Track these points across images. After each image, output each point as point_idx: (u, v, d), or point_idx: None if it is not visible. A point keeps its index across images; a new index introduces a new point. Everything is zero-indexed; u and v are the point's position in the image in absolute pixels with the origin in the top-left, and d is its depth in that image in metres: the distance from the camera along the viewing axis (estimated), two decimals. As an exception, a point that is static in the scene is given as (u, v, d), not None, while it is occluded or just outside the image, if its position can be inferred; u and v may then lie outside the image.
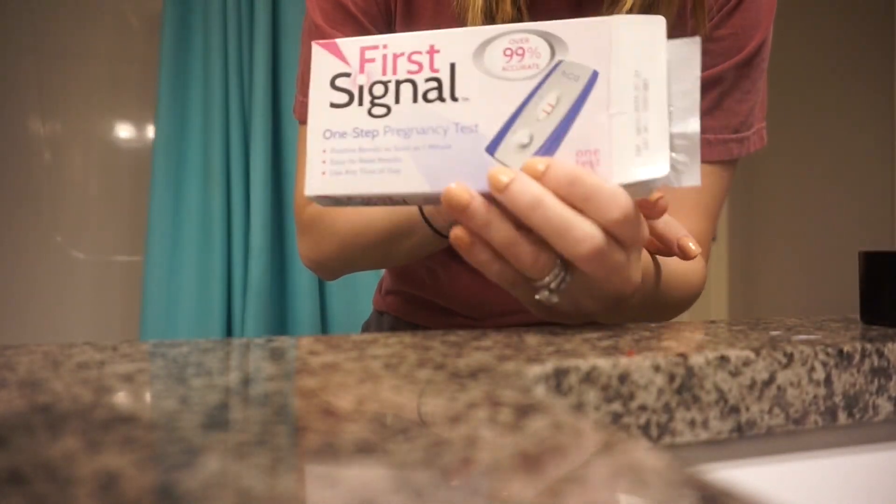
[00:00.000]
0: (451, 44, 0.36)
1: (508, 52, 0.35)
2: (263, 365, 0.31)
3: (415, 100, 0.36)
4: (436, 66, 0.36)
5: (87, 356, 0.33)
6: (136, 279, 1.66)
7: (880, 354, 0.37)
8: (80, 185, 1.78)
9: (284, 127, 1.53)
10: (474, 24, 0.57)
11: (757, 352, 0.34)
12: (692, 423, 0.33)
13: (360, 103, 0.37)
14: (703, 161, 0.62)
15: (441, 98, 0.36)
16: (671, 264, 0.56)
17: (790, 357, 0.35)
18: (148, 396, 0.25)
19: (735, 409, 0.34)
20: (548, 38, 0.35)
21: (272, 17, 1.50)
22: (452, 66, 0.36)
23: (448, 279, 0.72)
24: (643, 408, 0.32)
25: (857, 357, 0.36)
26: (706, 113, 0.63)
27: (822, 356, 0.36)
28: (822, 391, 0.36)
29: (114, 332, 1.77)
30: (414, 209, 0.53)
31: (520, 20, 0.58)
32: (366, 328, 0.87)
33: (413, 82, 0.36)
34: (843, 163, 1.96)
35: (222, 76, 1.48)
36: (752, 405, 0.34)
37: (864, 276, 0.47)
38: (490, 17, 0.57)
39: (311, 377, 0.28)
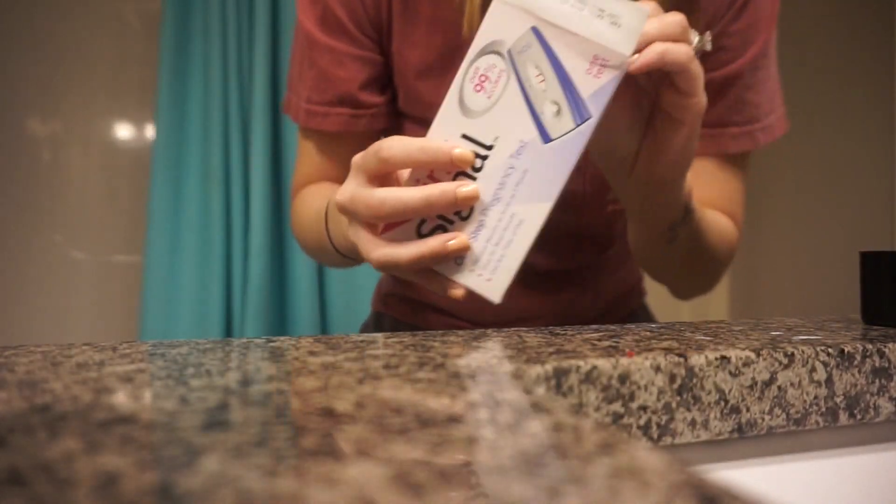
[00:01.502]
0: (447, 127, 0.41)
1: (478, 87, 0.40)
2: (263, 365, 0.31)
3: (474, 178, 0.41)
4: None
5: (87, 356, 0.33)
6: (136, 279, 1.66)
7: (881, 355, 0.37)
8: (80, 185, 1.78)
9: (284, 127, 1.52)
10: (471, 20, 0.57)
11: (757, 352, 0.34)
12: (692, 424, 0.33)
13: (450, 221, 0.42)
14: (733, 153, 0.65)
15: (485, 157, 0.40)
16: (710, 213, 0.60)
17: (791, 357, 0.35)
18: (147, 397, 0.25)
19: (735, 410, 0.34)
20: (485, 51, 0.40)
21: (272, 17, 1.50)
22: (465, 136, 0.40)
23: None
24: (643, 408, 0.32)
25: (858, 357, 0.36)
26: (731, 108, 0.64)
27: (822, 356, 0.35)
28: (822, 391, 0.36)
29: (113, 332, 1.77)
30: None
31: None
32: (364, 329, 0.87)
33: (465, 175, 0.41)
34: (844, 163, 1.96)
35: (222, 76, 1.48)
36: (753, 405, 0.34)
37: (864, 276, 0.47)
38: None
39: (310, 377, 0.28)
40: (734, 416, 0.34)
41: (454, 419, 0.21)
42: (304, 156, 0.70)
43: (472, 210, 0.41)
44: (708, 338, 0.38)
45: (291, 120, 0.69)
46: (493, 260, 0.42)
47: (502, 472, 0.17)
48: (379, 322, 0.82)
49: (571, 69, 0.39)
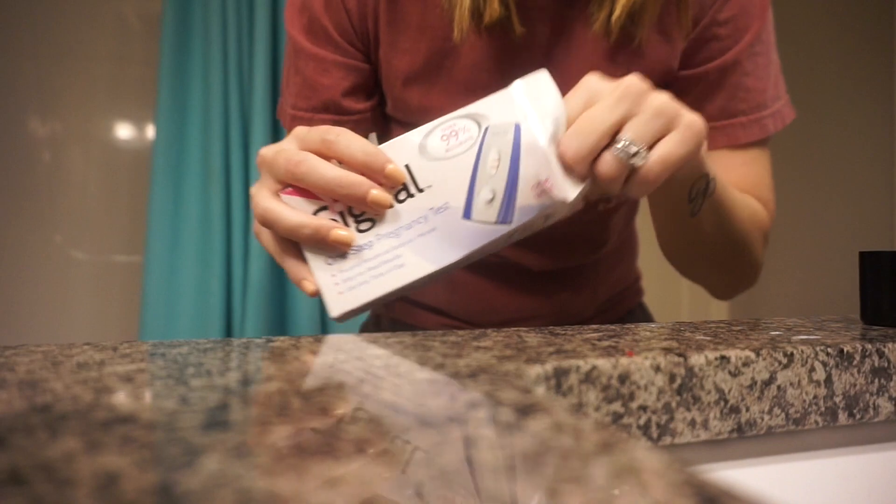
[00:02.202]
0: (398, 151, 0.42)
1: (444, 138, 0.42)
2: (263, 365, 0.31)
3: (391, 205, 0.42)
4: None
5: (87, 356, 0.33)
6: (136, 279, 1.66)
7: (881, 354, 0.37)
8: (80, 184, 1.78)
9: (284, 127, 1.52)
10: (461, 24, 0.58)
11: (757, 352, 0.34)
12: (692, 424, 0.33)
13: (347, 224, 0.42)
14: (746, 143, 0.65)
15: (410, 195, 0.42)
16: (737, 191, 0.59)
17: (790, 357, 0.35)
18: (148, 396, 0.25)
19: (735, 410, 0.34)
20: (470, 116, 0.42)
21: (272, 17, 1.50)
22: (408, 167, 0.42)
23: (448, 284, 0.72)
24: (643, 408, 0.32)
25: (858, 357, 0.36)
26: (734, 98, 0.63)
27: (822, 356, 0.36)
28: (822, 391, 0.36)
29: (113, 332, 1.77)
30: None
31: (508, 18, 0.58)
32: (364, 330, 0.88)
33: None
34: (843, 163, 1.96)
35: (222, 76, 1.48)
36: (753, 405, 0.34)
37: (864, 276, 0.47)
38: (478, 16, 0.58)
39: (310, 377, 0.28)
40: (734, 415, 0.34)
41: (454, 419, 0.21)
42: None
43: (369, 227, 0.42)
44: (708, 338, 0.38)
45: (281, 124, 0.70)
46: (357, 280, 0.42)
47: (502, 472, 0.17)
48: (378, 323, 0.82)
49: (522, 176, 0.41)
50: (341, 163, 0.42)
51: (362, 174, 0.41)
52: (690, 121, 0.42)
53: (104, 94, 1.78)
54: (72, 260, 1.77)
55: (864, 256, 0.47)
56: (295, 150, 0.42)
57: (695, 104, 0.63)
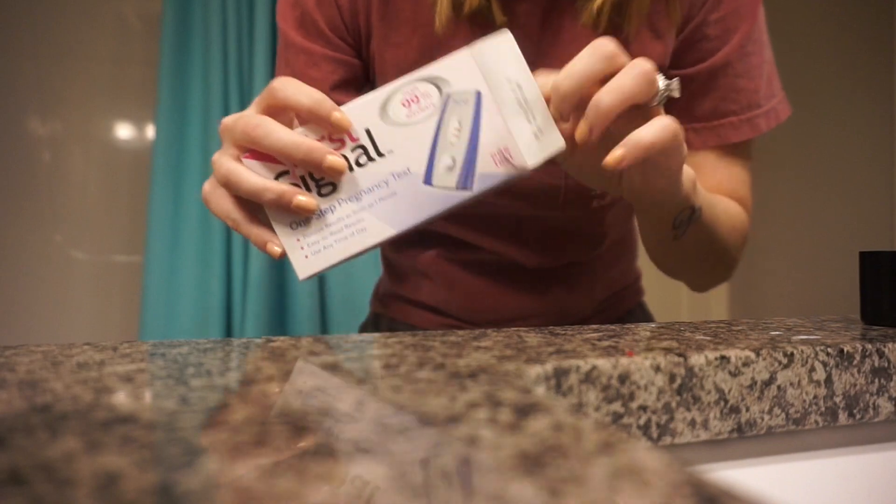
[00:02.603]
0: (359, 115, 0.42)
1: (406, 103, 0.42)
2: (263, 365, 0.31)
3: (351, 169, 0.42)
4: (355, 136, 0.42)
5: (87, 356, 0.33)
6: (136, 279, 1.66)
7: (881, 354, 0.37)
8: (80, 185, 1.78)
9: (284, 127, 1.53)
10: (441, 16, 0.59)
11: (757, 352, 0.34)
12: (692, 424, 0.33)
13: (308, 189, 0.43)
14: (735, 142, 0.65)
15: (371, 159, 0.42)
16: (720, 199, 0.61)
17: (790, 357, 0.35)
18: (148, 396, 0.25)
19: (735, 410, 0.34)
20: (431, 80, 0.42)
21: (272, 17, 1.50)
22: (368, 131, 0.42)
23: (444, 283, 0.72)
24: (643, 408, 0.32)
25: (858, 357, 0.36)
26: (725, 98, 0.64)
27: (822, 356, 0.36)
28: (822, 391, 0.36)
29: (113, 332, 1.77)
30: None
31: (488, 9, 0.58)
32: (363, 330, 0.88)
33: (343, 156, 0.42)
34: (843, 163, 1.96)
35: (222, 76, 1.48)
36: (753, 405, 0.34)
37: (864, 276, 0.47)
38: (458, 6, 0.58)
39: (310, 377, 0.28)
40: (734, 415, 0.34)
41: (454, 419, 0.21)
42: None
43: (331, 192, 0.42)
44: (708, 338, 0.39)
45: None
46: (322, 244, 0.43)
47: (502, 472, 0.17)
48: (377, 323, 0.82)
49: (482, 144, 0.41)
50: (295, 112, 0.42)
51: (311, 121, 0.42)
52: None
53: (104, 94, 1.78)
54: (72, 260, 1.77)
55: (864, 256, 0.47)
56: (253, 114, 0.42)
57: (686, 104, 0.64)
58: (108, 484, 0.16)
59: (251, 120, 0.42)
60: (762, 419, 0.34)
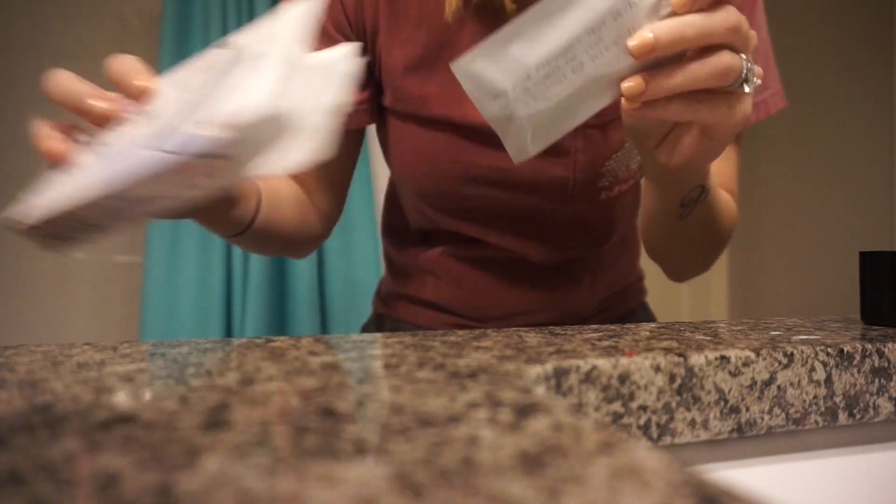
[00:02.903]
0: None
1: (200, 70, 0.41)
2: (263, 365, 0.31)
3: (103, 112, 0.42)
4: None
5: (87, 356, 0.33)
6: (137, 279, 1.66)
7: (880, 354, 0.37)
8: (81, 185, 1.78)
9: (284, 127, 1.52)
10: (451, 6, 0.59)
11: (757, 352, 0.34)
12: (692, 424, 0.33)
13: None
14: None
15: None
16: (721, 191, 0.61)
17: (790, 357, 0.35)
18: (148, 397, 0.25)
19: (735, 410, 0.34)
20: (231, 46, 0.40)
21: (272, 17, 1.50)
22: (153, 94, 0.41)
23: (450, 281, 0.72)
24: (643, 408, 0.32)
25: (858, 357, 0.36)
26: None
27: (822, 356, 0.36)
28: (822, 391, 0.36)
29: (114, 332, 1.77)
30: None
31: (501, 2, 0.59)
32: (365, 330, 0.88)
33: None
34: (843, 163, 1.96)
35: (222, 76, 1.48)
36: (753, 405, 0.34)
37: (864, 276, 0.47)
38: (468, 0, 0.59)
39: (310, 377, 0.28)
40: (734, 415, 0.34)
41: (454, 419, 0.21)
42: None
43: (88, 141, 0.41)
44: (708, 338, 0.39)
45: None
46: (52, 185, 0.40)
47: (502, 472, 0.17)
48: (380, 323, 0.82)
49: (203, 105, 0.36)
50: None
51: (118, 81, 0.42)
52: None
53: (104, 94, 1.78)
54: (72, 260, 1.77)
55: (864, 256, 0.47)
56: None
57: None
58: (108, 484, 0.16)
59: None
60: (762, 419, 0.34)
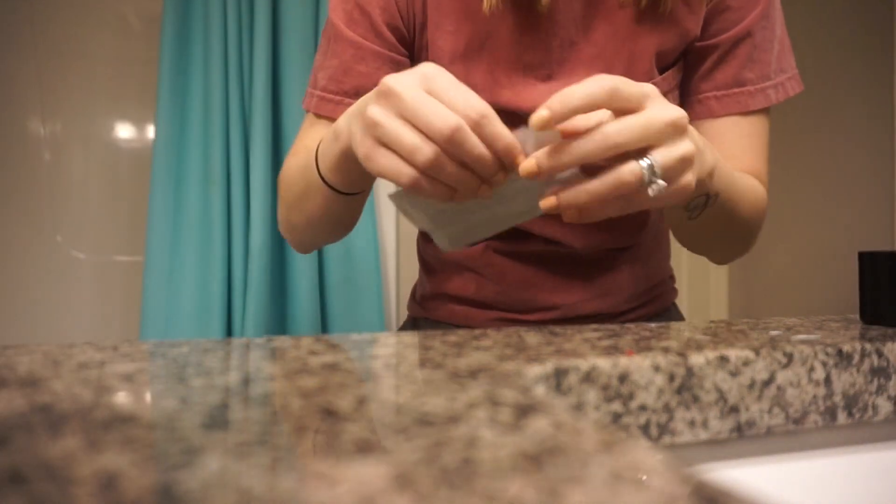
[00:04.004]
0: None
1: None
2: (263, 365, 0.31)
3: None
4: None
5: (88, 356, 0.33)
6: (137, 279, 1.66)
7: (880, 354, 0.37)
8: (81, 185, 1.78)
9: (284, 127, 1.53)
10: (490, 1, 0.61)
11: (757, 352, 0.34)
12: (692, 423, 0.33)
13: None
14: (748, 111, 0.68)
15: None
16: (742, 178, 0.62)
17: (790, 357, 0.35)
18: (148, 396, 0.25)
19: (735, 409, 0.34)
20: None
21: (272, 17, 1.50)
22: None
23: (492, 277, 0.73)
24: (643, 408, 0.32)
25: (857, 357, 0.36)
26: (744, 67, 0.67)
27: (821, 356, 0.36)
28: (821, 391, 0.36)
29: (114, 332, 1.77)
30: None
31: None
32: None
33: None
34: (843, 163, 1.96)
35: (222, 76, 1.48)
36: (752, 405, 0.34)
37: (862, 276, 0.47)
38: None
39: (311, 377, 0.28)
40: (733, 415, 0.34)
41: (454, 419, 0.21)
42: (307, 136, 0.70)
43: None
44: (707, 337, 0.39)
45: (307, 112, 0.71)
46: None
47: (502, 472, 0.17)
48: (416, 326, 0.83)
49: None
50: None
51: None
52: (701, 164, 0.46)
53: (105, 94, 1.78)
54: (73, 260, 1.77)
55: (863, 257, 0.47)
56: (476, 103, 0.43)
57: (709, 73, 0.67)
58: (108, 484, 0.16)
59: (477, 108, 0.42)
60: (762, 419, 0.34)
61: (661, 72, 0.68)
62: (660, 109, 0.42)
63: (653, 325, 0.45)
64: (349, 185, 0.58)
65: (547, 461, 0.17)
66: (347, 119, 0.51)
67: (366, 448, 0.18)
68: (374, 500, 0.15)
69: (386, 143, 0.44)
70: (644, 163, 0.42)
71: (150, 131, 1.80)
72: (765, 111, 0.69)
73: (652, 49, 0.65)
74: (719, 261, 0.73)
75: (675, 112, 0.43)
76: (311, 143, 0.68)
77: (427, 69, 0.44)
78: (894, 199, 1.80)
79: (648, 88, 0.43)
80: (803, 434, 0.37)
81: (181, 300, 1.46)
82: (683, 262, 2.45)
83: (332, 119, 0.67)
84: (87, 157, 1.78)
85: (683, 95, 0.70)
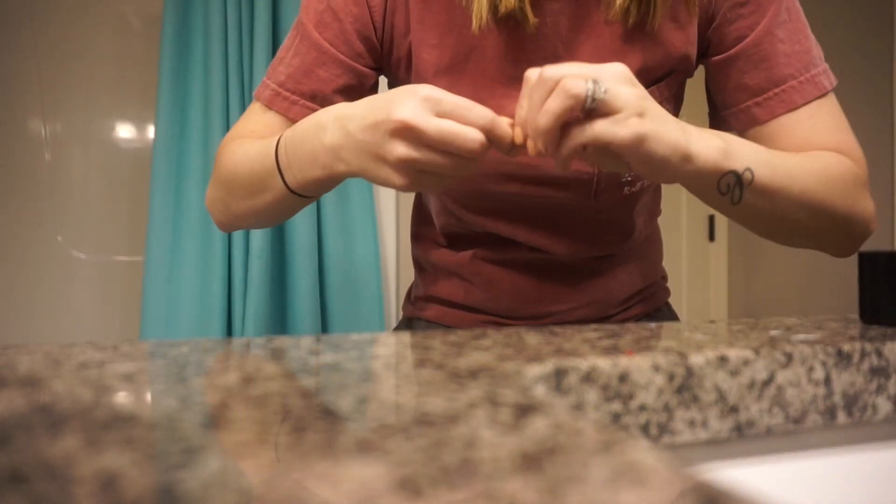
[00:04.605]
0: None
1: None
2: (263, 365, 0.31)
3: None
4: None
5: (88, 356, 0.33)
6: (137, 279, 1.66)
7: (879, 354, 0.37)
8: (81, 185, 1.78)
9: (284, 127, 1.53)
10: (479, 14, 0.60)
11: (756, 351, 0.34)
12: (692, 423, 0.33)
13: None
14: (808, 101, 0.64)
15: None
16: (797, 156, 0.59)
17: (790, 357, 0.35)
18: (148, 396, 0.25)
19: (734, 409, 0.34)
20: None
21: (272, 17, 1.50)
22: None
23: (480, 284, 0.74)
24: (643, 407, 0.32)
25: (857, 357, 0.36)
26: (776, 64, 0.64)
27: (821, 356, 0.36)
28: (821, 391, 0.36)
29: (114, 332, 1.77)
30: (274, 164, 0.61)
31: (521, 10, 0.60)
32: None
33: None
34: (844, 162, 1.96)
35: (222, 76, 1.48)
36: (752, 405, 0.34)
37: (863, 276, 0.47)
38: (494, 9, 0.60)
39: (311, 377, 0.28)
40: (733, 415, 0.34)
41: (454, 419, 0.21)
42: (254, 121, 0.69)
43: None
44: (707, 337, 0.39)
45: (254, 100, 0.70)
46: None
47: (502, 472, 0.17)
48: (411, 327, 0.83)
49: None
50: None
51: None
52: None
53: (105, 94, 1.79)
54: (73, 260, 1.77)
55: (862, 257, 0.47)
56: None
57: (740, 82, 0.65)
58: (108, 484, 0.16)
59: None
60: (761, 418, 0.34)
61: (648, 86, 0.66)
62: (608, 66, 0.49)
63: (653, 325, 0.45)
64: (318, 194, 0.62)
65: (547, 461, 0.17)
66: (349, 154, 0.53)
67: (366, 448, 0.18)
68: (374, 501, 0.15)
69: (426, 171, 0.51)
70: (590, 83, 0.47)
71: (151, 131, 1.80)
72: (822, 97, 0.65)
73: (637, 66, 0.63)
74: (836, 253, 0.67)
75: (619, 66, 0.48)
76: (259, 129, 0.68)
77: (423, 92, 0.49)
78: (894, 199, 1.80)
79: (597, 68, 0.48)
80: (803, 434, 0.37)
81: (181, 300, 1.46)
82: (683, 262, 2.45)
83: (284, 116, 0.66)
84: (87, 157, 1.78)
85: (719, 109, 0.68)
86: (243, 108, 1.50)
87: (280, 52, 0.69)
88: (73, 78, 1.76)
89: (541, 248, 0.71)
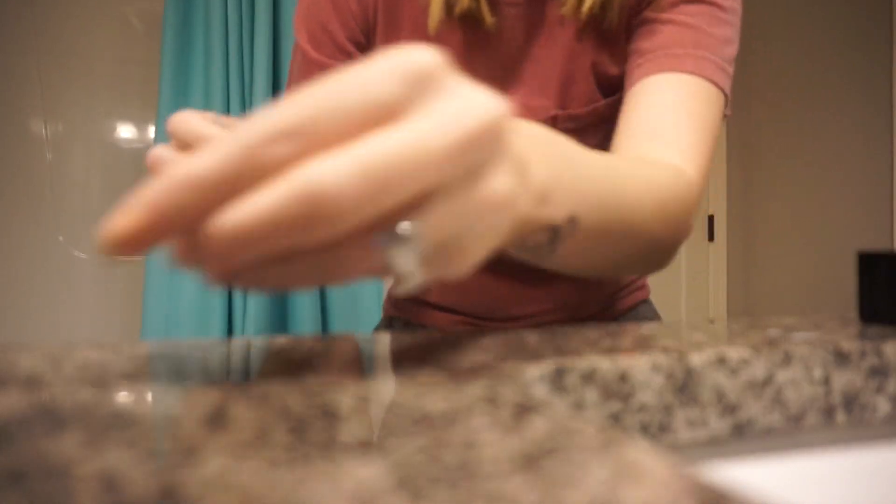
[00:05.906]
0: None
1: None
2: (264, 365, 0.31)
3: None
4: None
5: (88, 356, 0.33)
6: (138, 279, 1.66)
7: (878, 354, 0.37)
8: (82, 184, 1.78)
9: (285, 127, 1.53)
10: (434, 17, 0.60)
11: (756, 351, 0.34)
12: (691, 423, 0.33)
13: None
14: (682, 72, 0.57)
15: None
16: (633, 173, 0.46)
17: (789, 356, 0.35)
18: (148, 396, 0.25)
19: (734, 409, 0.34)
20: None
21: (273, 18, 1.50)
22: None
23: (453, 285, 0.74)
24: (643, 407, 0.32)
25: (856, 356, 0.36)
26: (671, 37, 0.59)
27: (820, 355, 0.36)
28: (820, 390, 0.36)
29: (115, 332, 1.77)
30: None
31: (478, 10, 0.60)
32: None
33: None
34: (842, 162, 1.96)
35: (223, 77, 1.48)
36: (751, 404, 0.34)
37: (862, 276, 0.47)
38: (450, 8, 0.61)
39: (311, 377, 0.28)
40: (732, 414, 0.34)
41: (454, 419, 0.21)
42: None
43: None
44: (706, 337, 0.39)
45: None
46: None
47: (502, 472, 0.17)
48: (391, 326, 0.83)
49: None
50: None
51: None
52: None
53: (106, 94, 1.79)
54: (74, 260, 1.77)
55: (861, 257, 0.47)
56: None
57: (633, 46, 0.61)
58: (108, 484, 0.16)
59: None
60: (761, 418, 0.34)
61: (607, 96, 0.63)
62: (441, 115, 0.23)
63: (652, 324, 0.45)
64: None
65: (546, 461, 0.18)
66: None
67: (365, 448, 0.19)
68: (374, 501, 0.15)
69: None
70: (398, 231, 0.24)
71: (151, 131, 1.80)
72: (711, 88, 0.57)
73: (588, 64, 0.62)
74: (642, 273, 0.59)
75: (480, 111, 0.24)
76: None
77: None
78: (893, 199, 1.80)
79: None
80: (802, 433, 0.37)
81: (182, 300, 1.46)
82: (683, 262, 2.45)
83: None
84: (88, 157, 1.79)
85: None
86: (244, 108, 1.50)
87: (290, 78, 0.70)
88: (74, 78, 1.76)
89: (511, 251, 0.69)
